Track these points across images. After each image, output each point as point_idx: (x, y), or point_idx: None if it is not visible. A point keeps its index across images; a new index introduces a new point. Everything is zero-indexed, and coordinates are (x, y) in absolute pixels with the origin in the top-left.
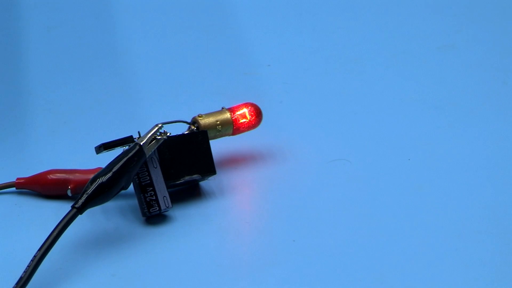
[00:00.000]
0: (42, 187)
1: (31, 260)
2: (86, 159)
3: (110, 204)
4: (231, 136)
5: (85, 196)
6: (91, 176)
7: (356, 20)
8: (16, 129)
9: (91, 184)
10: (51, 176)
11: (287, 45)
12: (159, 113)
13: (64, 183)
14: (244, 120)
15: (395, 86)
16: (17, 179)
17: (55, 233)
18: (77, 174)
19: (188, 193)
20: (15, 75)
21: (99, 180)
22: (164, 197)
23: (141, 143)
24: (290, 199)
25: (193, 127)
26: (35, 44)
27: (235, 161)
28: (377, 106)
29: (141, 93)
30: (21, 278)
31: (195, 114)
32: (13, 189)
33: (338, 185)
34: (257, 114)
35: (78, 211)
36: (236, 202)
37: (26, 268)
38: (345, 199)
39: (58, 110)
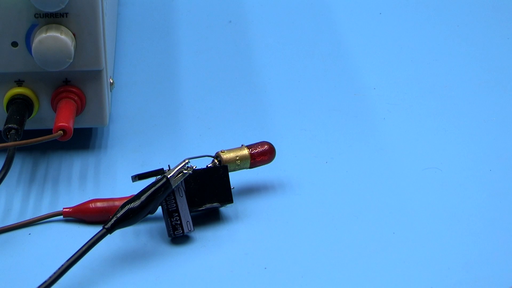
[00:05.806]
0: (86, 215)
1: (58, 269)
2: None
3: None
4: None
5: (114, 218)
6: None
7: (446, 55)
8: (171, 133)
9: (121, 209)
10: (93, 205)
11: (390, 73)
12: (284, 123)
13: (105, 211)
14: (260, 156)
15: (480, 107)
16: (64, 208)
17: (83, 248)
18: (116, 203)
19: (208, 217)
20: (171, 89)
21: (128, 206)
22: (187, 222)
23: (169, 176)
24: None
25: (216, 161)
26: (187, 65)
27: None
28: (465, 125)
29: (270, 107)
30: (44, 281)
31: (315, 124)
32: (61, 217)
33: (429, 190)
34: (271, 152)
35: (107, 231)
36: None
37: (51, 275)
38: (435, 204)
39: (204, 118)
